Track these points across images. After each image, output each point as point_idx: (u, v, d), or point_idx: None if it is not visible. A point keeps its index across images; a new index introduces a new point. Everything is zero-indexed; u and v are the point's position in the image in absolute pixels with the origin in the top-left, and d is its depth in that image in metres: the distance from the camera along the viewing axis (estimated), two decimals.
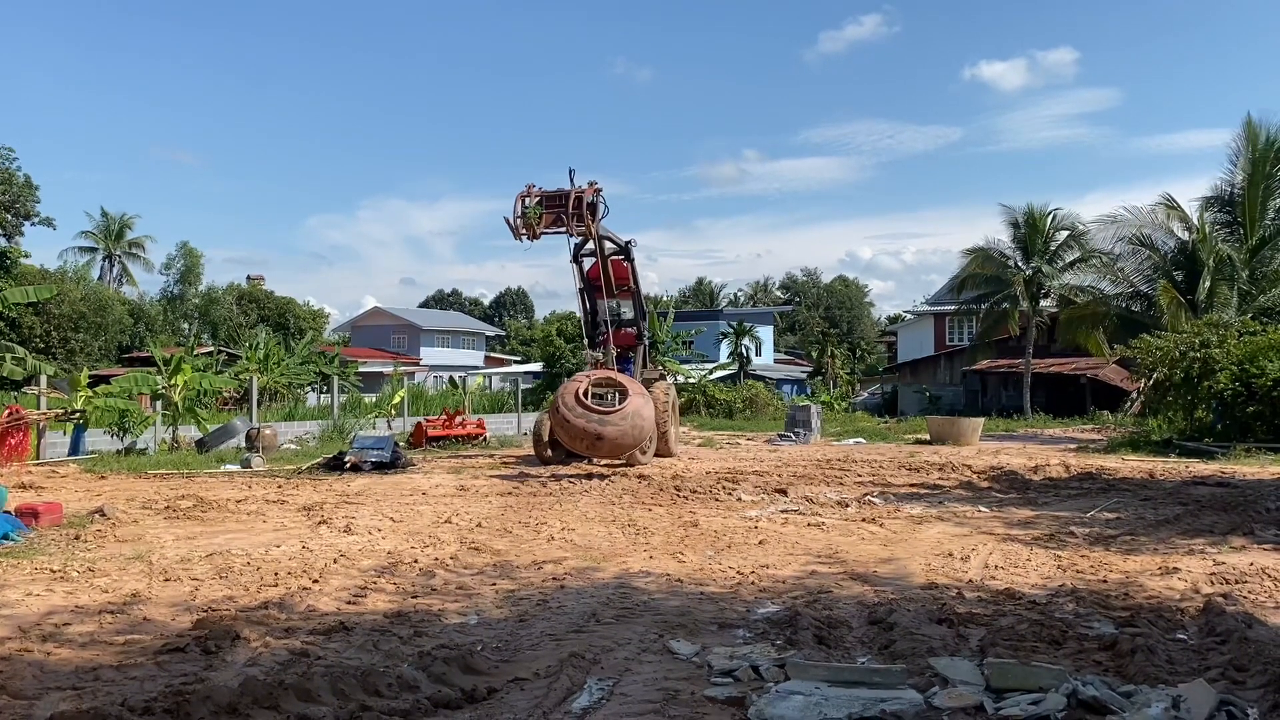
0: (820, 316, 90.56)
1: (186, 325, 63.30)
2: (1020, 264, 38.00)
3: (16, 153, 48.29)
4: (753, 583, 7.67)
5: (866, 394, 52.50)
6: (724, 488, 13.82)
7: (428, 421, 23.29)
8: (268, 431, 20.54)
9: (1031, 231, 37.76)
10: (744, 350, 50.59)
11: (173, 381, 20.70)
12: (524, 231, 16.67)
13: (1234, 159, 30.99)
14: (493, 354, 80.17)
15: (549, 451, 17.77)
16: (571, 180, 17.05)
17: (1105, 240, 34.20)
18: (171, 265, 67.92)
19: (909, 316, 56.44)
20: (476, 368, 66.05)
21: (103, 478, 15.43)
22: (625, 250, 19.09)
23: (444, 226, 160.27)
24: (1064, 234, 37.76)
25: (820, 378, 56.18)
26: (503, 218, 17.05)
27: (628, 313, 20.00)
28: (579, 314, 20.43)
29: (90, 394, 19.33)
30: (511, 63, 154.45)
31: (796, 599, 7.01)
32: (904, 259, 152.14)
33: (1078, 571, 8.06)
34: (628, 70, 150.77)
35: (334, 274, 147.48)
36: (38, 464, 17.29)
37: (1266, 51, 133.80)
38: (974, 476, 15.84)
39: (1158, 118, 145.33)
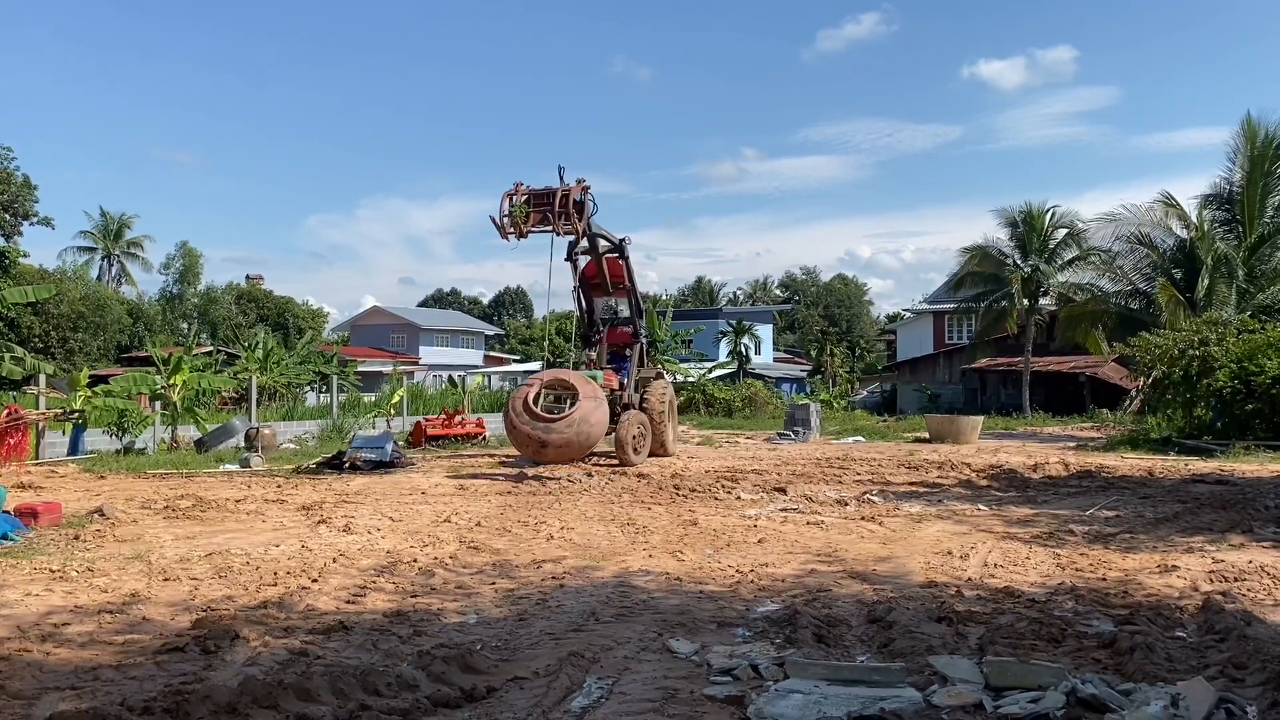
0: (819, 315, 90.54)
1: (185, 325, 63.29)
2: (1019, 262, 38.00)
3: (15, 152, 48.37)
4: (752, 581, 7.67)
5: (865, 392, 52.50)
6: (723, 486, 13.83)
7: (427, 421, 23.28)
8: (267, 431, 20.54)
9: (1030, 230, 37.76)
10: (743, 349, 50.62)
11: (172, 381, 20.69)
12: (510, 230, 16.46)
13: (1233, 157, 31.02)
14: (492, 353, 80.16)
15: None
16: (561, 178, 16.86)
17: (1104, 238, 34.21)
18: (170, 265, 67.98)
19: (908, 315, 56.45)
20: (476, 367, 65.98)
21: (102, 477, 15.42)
22: (619, 248, 18.96)
23: (443, 226, 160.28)
24: (1062, 232, 37.74)
25: (819, 376, 56.20)
26: (489, 216, 16.88)
27: (624, 311, 19.92)
28: (582, 313, 20.23)
29: (89, 394, 19.32)
30: (510, 62, 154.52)
31: (796, 597, 7.02)
32: (903, 257, 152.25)
33: (1077, 569, 8.07)
34: (627, 69, 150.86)
35: (333, 273, 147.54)
36: (37, 464, 17.28)
37: (1265, 50, 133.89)
38: (973, 475, 15.85)
39: (1156, 116, 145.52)
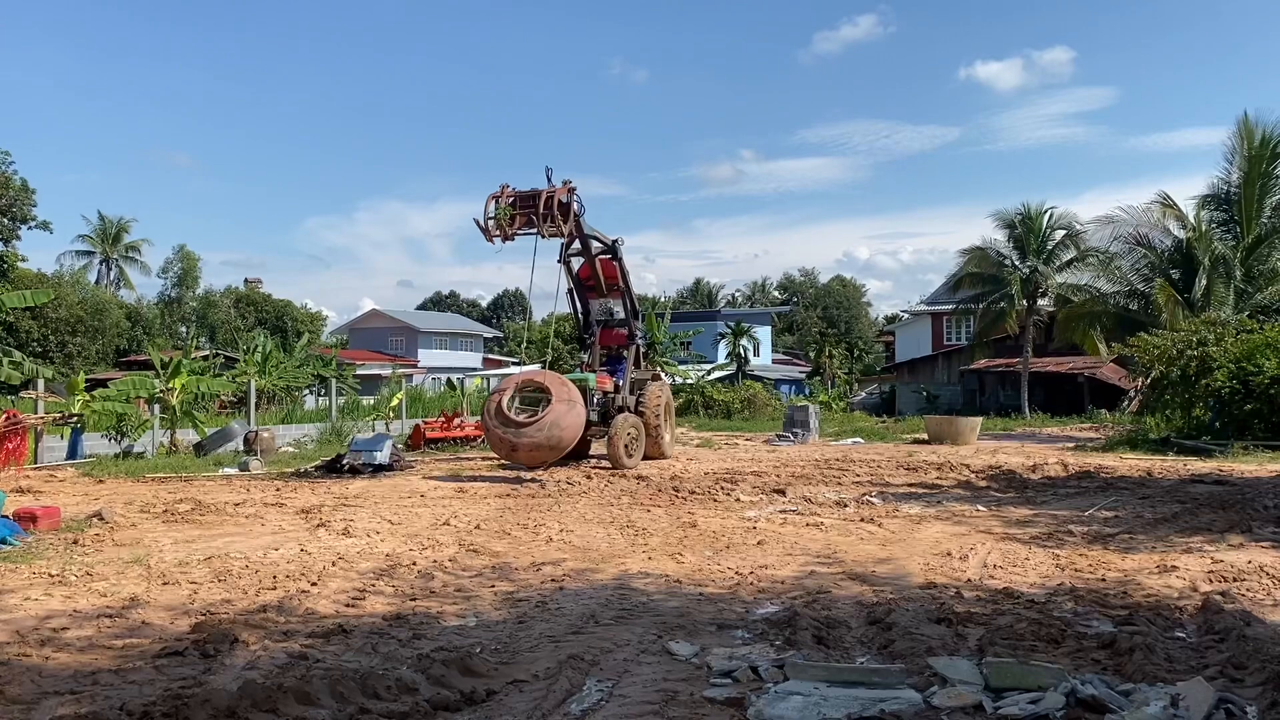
0: (818, 316, 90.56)
1: (184, 328, 63.33)
2: (1017, 263, 38.01)
3: (13, 156, 48.30)
4: (751, 583, 7.67)
5: (864, 394, 52.50)
6: (722, 488, 13.83)
7: (426, 423, 23.29)
8: (265, 434, 20.53)
9: (1028, 231, 37.78)
10: (742, 351, 50.62)
11: (170, 385, 20.67)
12: (495, 233, 16.36)
13: (1230, 157, 31.05)
14: (491, 355, 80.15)
15: None
16: (549, 179, 16.73)
17: (1102, 239, 34.25)
18: (169, 268, 68.11)
19: (906, 316, 56.45)
20: (475, 369, 65.96)
21: (100, 481, 15.41)
22: (612, 249, 18.81)
23: (441, 228, 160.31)
24: (1060, 233, 37.75)
25: (818, 378, 56.21)
26: (473, 219, 16.72)
27: (619, 313, 19.74)
28: (577, 315, 20.11)
29: (88, 398, 19.32)
30: (508, 64, 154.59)
31: (795, 599, 7.02)
32: (901, 259, 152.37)
33: (1076, 570, 8.07)
34: (624, 71, 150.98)
35: (331, 276, 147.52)
36: (35, 468, 17.26)
37: (1262, 50, 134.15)
38: (972, 476, 15.85)
39: (1154, 116, 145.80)
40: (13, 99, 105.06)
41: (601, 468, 17.06)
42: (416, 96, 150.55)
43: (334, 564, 8.38)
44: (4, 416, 17.65)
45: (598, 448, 18.75)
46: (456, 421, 23.64)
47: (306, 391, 35.32)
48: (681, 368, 41.68)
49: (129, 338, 56.57)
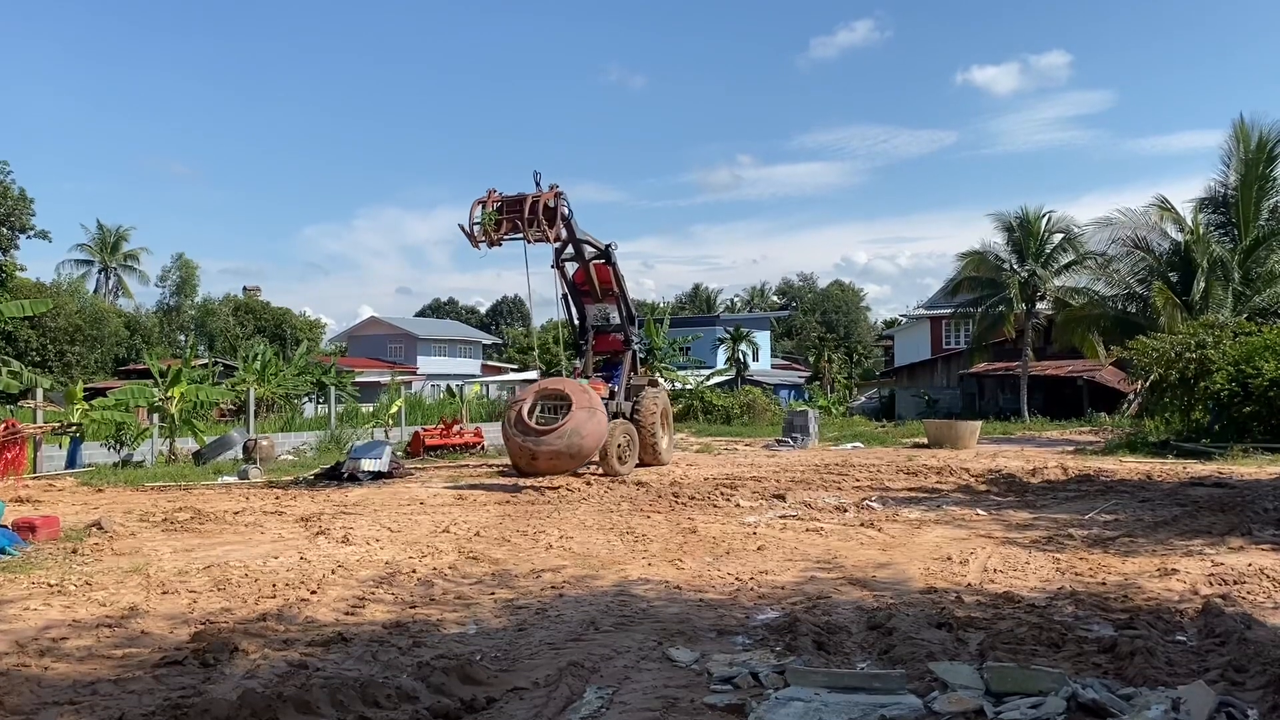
0: (817, 321, 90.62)
1: (183, 337, 63.31)
2: (1015, 267, 38.05)
3: (11, 165, 48.31)
4: (752, 589, 7.66)
5: (864, 398, 52.48)
6: (722, 494, 13.82)
7: (425, 431, 23.27)
8: (265, 442, 20.52)
9: (1026, 234, 37.83)
10: (741, 356, 50.68)
11: (169, 393, 20.66)
12: (481, 239, 16.18)
13: (1226, 160, 31.14)
14: (490, 362, 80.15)
15: None
16: (537, 184, 16.54)
17: (1100, 242, 34.29)
18: (167, 277, 68.06)
19: (905, 320, 56.52)
20: (474, 376, 65.94)
21: (100, 491, 15.39)
22: (606, 253, 18.65)
23: (440, 235, 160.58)
24: (1059, 236, 37.80)
25: (817, 382, 56.22)
26: (458, 225, 16.50)
27: (615, 318, 19.65)
28: (572, 321, 20.01)
29: (87, 407, 19.30)
30: (505, 71, 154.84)
31: (795, 605, 7.01)
32: (899, 263, 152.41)
33: (1076, 574, 8.06)
34: (621, 77, 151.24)
35: (330, 284, 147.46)
36: (34, 478, 17.25)
37: (1258, 53, 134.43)
38: (972, 480, 15.84)
39: (1151, 120, 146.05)
40: (11, 108, 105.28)
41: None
42: (414, 104, 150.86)
43: (333, 572, 8.37)
44: (3, 426, 17.62)
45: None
46: (456, 428, 23.62)
47: (305, 399, 35.27)
48: (680, 373, 41.67)
49: (128, 346, 56.52)
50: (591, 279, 18.86)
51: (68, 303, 51.23)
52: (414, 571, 8.41)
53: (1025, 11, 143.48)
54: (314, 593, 7.54)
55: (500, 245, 16.51)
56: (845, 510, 12.22)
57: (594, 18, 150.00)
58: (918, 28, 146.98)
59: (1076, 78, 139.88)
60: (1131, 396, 34.23)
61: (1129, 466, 17.82)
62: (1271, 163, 30.18)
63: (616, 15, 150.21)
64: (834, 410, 42.03)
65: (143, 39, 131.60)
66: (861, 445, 25.94)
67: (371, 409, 30.57)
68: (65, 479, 17.07)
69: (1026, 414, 36.46)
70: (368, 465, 16.90)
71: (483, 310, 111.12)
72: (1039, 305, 38.41)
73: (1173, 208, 32.46)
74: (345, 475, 16.55)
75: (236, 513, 12.31)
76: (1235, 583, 7.54)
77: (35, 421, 19.06)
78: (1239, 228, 30.77)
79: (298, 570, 8.47)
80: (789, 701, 4.56)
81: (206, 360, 41.55)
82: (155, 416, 20.78)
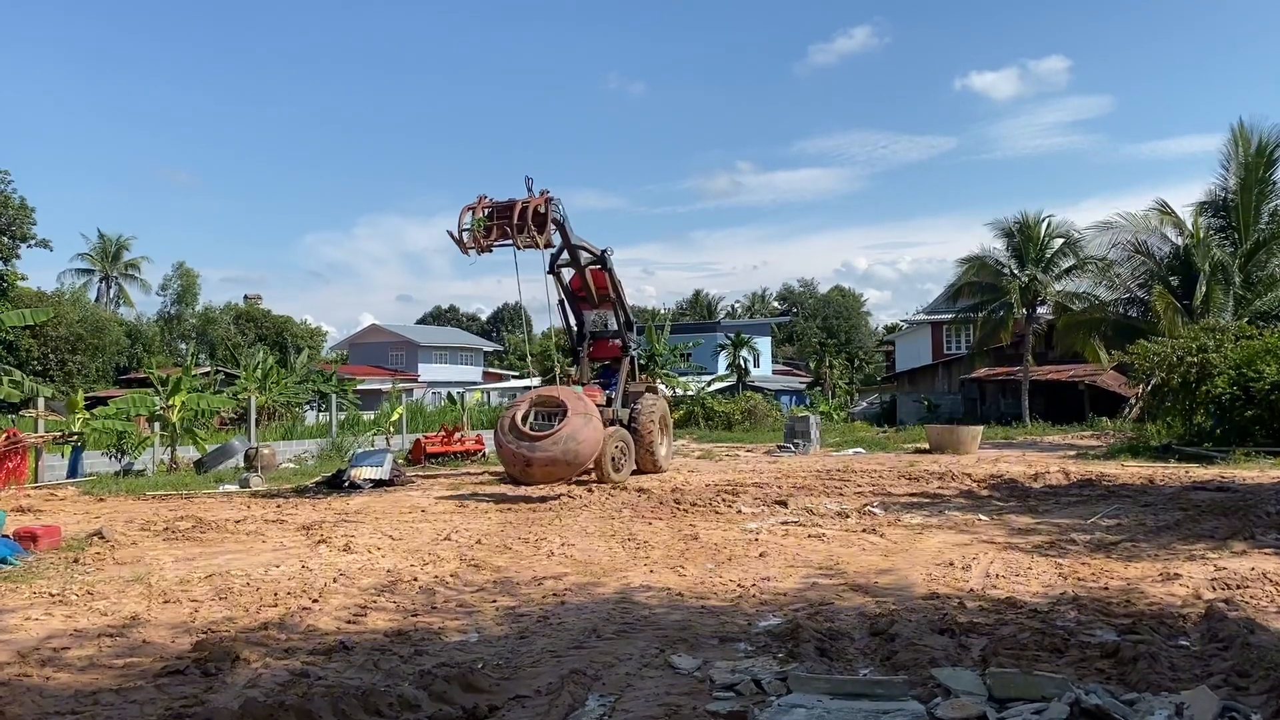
0: (818, 327, 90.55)
1: (184, 345, 63.37)
2: (1016, 272, 38.06)
3: (12, 175, 48.46)
4: (754, 595, 7.65)
5: (865, 403, 52.49)
6: (724, 500, 13.80)
7: (426, 438, 23.26)
8: (266, 451, 20.52)
9: (1026, 239, 37.86)
10: (742, 362, 50.63)
11: (170, 402, 20.68)
12: (470, 246, 16.02)
13: (1226, 164, 31.19)
14: (491, 369, 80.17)
15: None
16: (529, 190, 16.37)
17: (1100, 247, 34.29)
18: (168, 286, 68.26)
19: (906, 326, 56.53)
20: (475, 383, 65.98)
21: (101, 500, 15.39)
22: (602, 259, 18.50)
23: (440, 243, 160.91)
24: (1059, 241, 37.80)
25: (819, 388, 56.17)
26: (446, 231, 16.29)
27: (612, 324, 19.50)
28: (569, 327, 19.92)
29: (88, 416, 19.32)
30: (505, 79, 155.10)
31: (798, 611, 7.00)
32: (900, 268, 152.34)
33: (1079, 579, 8.05)
34: (621, 85, 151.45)
35: (331, 291, 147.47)
36: (36, 487, 17.25)
37: (1257, 56, 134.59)
38: (974, 485, 15.82)
39: (1150, 124, 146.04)
40: (12, 118, 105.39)
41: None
42: (414, 112, 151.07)
43: (335, 580, 8.36)
44: (4, 435, 17.64)
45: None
46: (457, 436, 23.61)
47: (307, 407, 35.32)
48: (682, 379, 41.69)
49: (129, 355, 56.61)
50: (588, 285, 18.79)
51: (69, 312, 51.27)
52: (415, 579, 8.41)
53: (1024, 17, 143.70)
54: (315, 601, 7.53)
55: (491, 251, 16.35)
56: (847, 516, 12.20)
57: (594, 26, 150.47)
58: (916, 34, 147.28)
59: (1075, 82, 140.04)
60: (1133, 401, 34.19)
61: (1131, 471, 17.79)
62: (1271, 166, 30.20)
63: (616, 23, 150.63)
64: (835, 416, 42.00)
65: (144, 49, 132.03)
66: (863, 451, 25.93)
67: (373, 416, 30.57)
68: (67, 488, 17.06)
69: (1028, 419, 36.43)
70: (369, 473, 16.90)
71: (484, 317, 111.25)
72: (1040, 310, 38.42)
73: (1173, 212, 32.49)
74: (346, 483, 16.54)
75: (238, 521, 12.31)
76: (1238, 587, 7.53)
77: (37, 431, 19.07)
78: (1239, 231, 30.79)
79: (299, 579, 8.47)
80: (792, 708, 4.56)
81: (207, 369, 41.62)
82: (156, 425, 20.78)
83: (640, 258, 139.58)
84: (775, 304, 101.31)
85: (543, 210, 16.21)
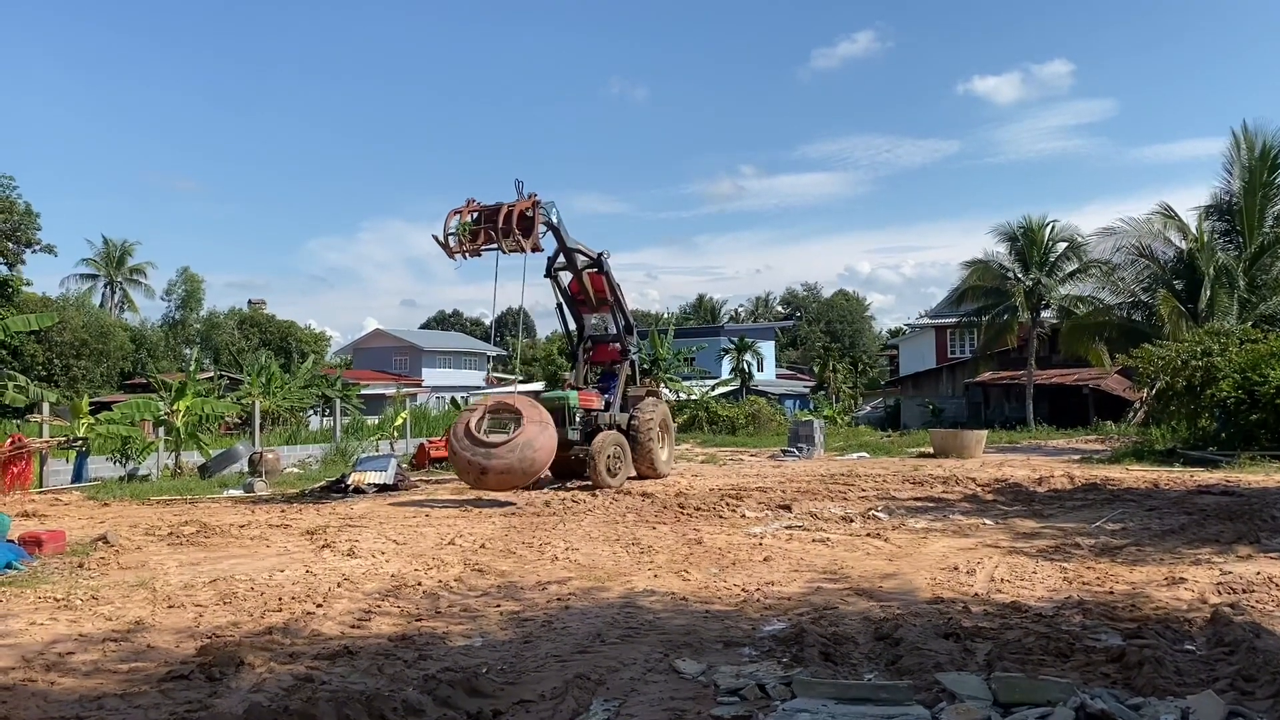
0: (821, 331, 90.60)
1: (188, 351, 63.35)
2: (1020, 276, 38.05)
3: (17, 181, 48.54)
4: (758, 600, 7.65)
5: (869, 408, 52.44)
6: (728, 504, 13.79)
7: (430, 443, 23.27)
8: (270, 455, 20.54)
9: (1030, 243, 37.85)
10: (746, 366, 50.60)
11: (175, 407, 20.71)
12: (457, 250, 15.91)
13: (1229, 167, 31.14)
14: (495, 374, 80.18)
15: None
16: (519, 193, 16.26)
17: (1104, 251, 34.28)
18: (172, 291, 68.32)
19: (910, 330, 56.44)
20: (479, 388, 66.00)
21: (106, 505, 15.42)
22: (598, 262, 18.41)
23: None
24: (1063, 245, 37.82)
25: (822, 392, 56.17)
26: (431, 235, 16.16)
27: (611, 328, 19.37)
28: (568, 331, 19.83)
29: (92, 421, 19.34)
30: (509, 84, 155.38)
31: (802, 616, 6.99)
32: (903, 272, 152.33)
33: (1084, 583, 8.03)
34: (623, 89, 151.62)
35: (335, 296, 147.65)
36: (40, 492, 17.28)
37: (1259, 60, 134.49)
38: (978, 489, 15.80)
39: (1154, 127, 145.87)
40: (16, 124, 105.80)
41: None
42: (418, 117, 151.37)
43: (339, 585, 8.37)
44: (9, 441, 17.68)
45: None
46: None
47: (311, 412, 35.34)
48: (685, 384, 41.67)
49: (133, 360, 56.69)
50: (586, 288, 18.73)
51: (74, 317, 51.42)
52: (420, 584, 8.41)
53: (1027, 21, 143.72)
54: (320, 606, 7.53)
55: (479, 255, 16.29)
56: (851, 520, 12.19)
57: (596, 31, 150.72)
58: (919, 38, 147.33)
59: (1078, 86, 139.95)
60: (1137, 404, 34.13)
61: (1136, 475, 17.76)
62: (1275, 170, 30.14)
63: (618, 29, 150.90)
64: (839, 420, 41.94)
65: (148, 55, 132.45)
66: (867, 455, 25.90)
67: (377, 421, 30.61)
68: (71, 493, 17.09)
69: (1032, 423, 36.39)
70: (373, 478, 16.91)
71: (487, 322, 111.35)
72: (1044, 314, 38.41)
73: (1176, 215, 32.46)
74: (350, 488, 16.55)
75: (242, 526, 12.32)
76: (1244, 591, 7.51)
77: (41, 436, 19.11)
78: (1243, 235, 30.73)
79: (303, 583, 8.47)
80: (796, 713, 4.55)
81: (212, 374, 41.60)
82: (161, 430, 20.82)
83: (643, 262, 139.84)
84: (779, 308, 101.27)
85: (530, 214, 16.07)
